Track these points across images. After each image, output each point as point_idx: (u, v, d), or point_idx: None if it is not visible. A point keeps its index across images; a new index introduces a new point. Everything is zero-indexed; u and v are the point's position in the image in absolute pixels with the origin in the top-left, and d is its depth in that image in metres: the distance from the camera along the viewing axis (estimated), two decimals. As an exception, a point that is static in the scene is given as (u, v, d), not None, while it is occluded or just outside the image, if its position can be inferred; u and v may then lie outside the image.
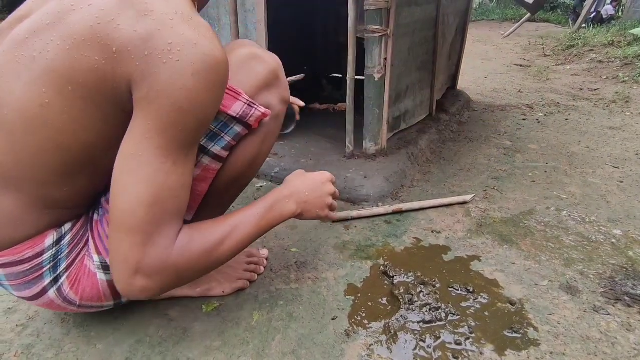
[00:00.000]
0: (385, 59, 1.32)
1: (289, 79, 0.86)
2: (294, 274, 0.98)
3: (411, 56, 1.56)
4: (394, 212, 1.23)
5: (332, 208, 0.84)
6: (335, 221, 1.20)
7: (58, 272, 0.67)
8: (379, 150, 1.48)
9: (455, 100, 2.25)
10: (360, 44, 1.34)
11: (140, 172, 0.54)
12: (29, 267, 0.65)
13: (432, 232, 1.15)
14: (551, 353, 0.75)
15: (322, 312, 0.85)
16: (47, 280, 0.67)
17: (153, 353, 0.75)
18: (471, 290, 0.90)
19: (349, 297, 0.90)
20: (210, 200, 0.78)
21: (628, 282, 0.94)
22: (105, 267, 0.69)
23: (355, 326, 0.81)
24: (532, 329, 0.80)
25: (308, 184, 0.79)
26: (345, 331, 0.80)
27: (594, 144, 1.80)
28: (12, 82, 0.54)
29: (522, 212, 1.25)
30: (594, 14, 7.26)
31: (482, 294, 0.90)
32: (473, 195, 1.31)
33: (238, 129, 0.72)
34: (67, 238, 0.67)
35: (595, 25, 6.16)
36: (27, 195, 0.60)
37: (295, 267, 1.00)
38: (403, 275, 0.95)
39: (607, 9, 7.81)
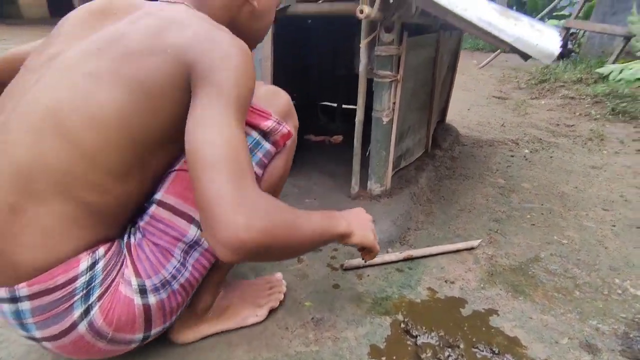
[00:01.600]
0: (394, 103, 1.33)
1: None
2: (312, 333, 0.93)
3: (413, 97, 1.58)
4: (405, 259, 1.21)
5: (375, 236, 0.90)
6: (346, 269, 1.16)
7: (90, 302, 0.63)
8: (384, 191, 1.47)
9: (447, 134, 2.30)
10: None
11: (215, 124, 0.58)
12: (60, 296, 0.61)
13: (446, 281, 1.14)
14: None
15: (349, 380, 0.81)
16: (78, 312, 0.62)
17: None
18: (496, 352, 0.89)
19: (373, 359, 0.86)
20: None
21: (642, 339, 0.95)
22: (143, 291, 0.68)
23: (386, 398, 0.77)
24: (562, 395, 0.80)
25: (352, 211, 0.88)
26: (376, 404, 0.76)
27: (581, 184, 1.87)
28: (70, 90, 0.61)
29: (528, 259, 1.26)
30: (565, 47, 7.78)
31: (507, 355, 0.88)
32: (480, 240, 1.32)
33: (268, 146, 0.81)
34: (101, 263, 0.65)
35: (563, 58, 6.58)
36: (71, 204, 0.60)
37: (312, 325, 0.95)
38: (426, 334, 0.93)
39: (567, 44, 8.42)
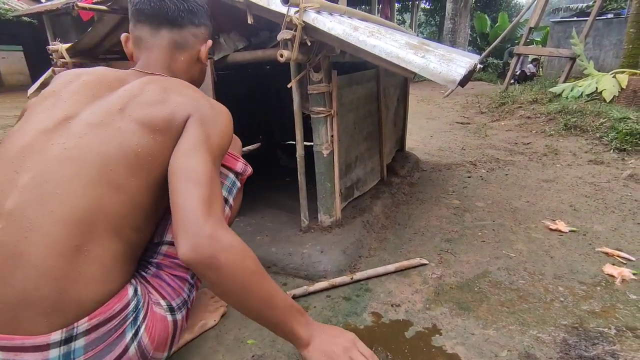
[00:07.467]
0: (332, 136, 1.39)
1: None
2: (251, 372, 0.91)
3: (357, 129, 1.65)
4: (350, 283, 1.22)
5: None
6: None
7: (138, 323, 0.72)
8: (334, 222, 1.49)
9: (405, 162, 2.37)
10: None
11: (198, 158, 0.73)
12: (115, 324, 0.68)
13: (392, 306, 1.14)
14: None
15: (282, 416, 0.79)
16: (129, 335, 0.70)
17: None
18: (434, 371, 0.88)
19: (309, 393, 0.84)
20: None
21: (580, 344, 0.96)
22: (172, 309, 0.80)
23: None
24: (496, 409, 0.79)
25: (329, 330, 0.82)
26: None
27: (533, 198, 1.93)
28: (110, 144, 0.72)
29: (476, 275, 1.28)
30: (519, 72, 8.24)
31: (445, 374, 0.88)
32: (424, 260, 1.34)
33: (239, 184, 0.98)
34: (139, 289, 0.76)
35: (521, 82, 6.95)
36: (122, 243, 0.72)
37: (252, 363, 0.94)
38: (365, 361, 0.92)
39: (529, 67, 8.94)
